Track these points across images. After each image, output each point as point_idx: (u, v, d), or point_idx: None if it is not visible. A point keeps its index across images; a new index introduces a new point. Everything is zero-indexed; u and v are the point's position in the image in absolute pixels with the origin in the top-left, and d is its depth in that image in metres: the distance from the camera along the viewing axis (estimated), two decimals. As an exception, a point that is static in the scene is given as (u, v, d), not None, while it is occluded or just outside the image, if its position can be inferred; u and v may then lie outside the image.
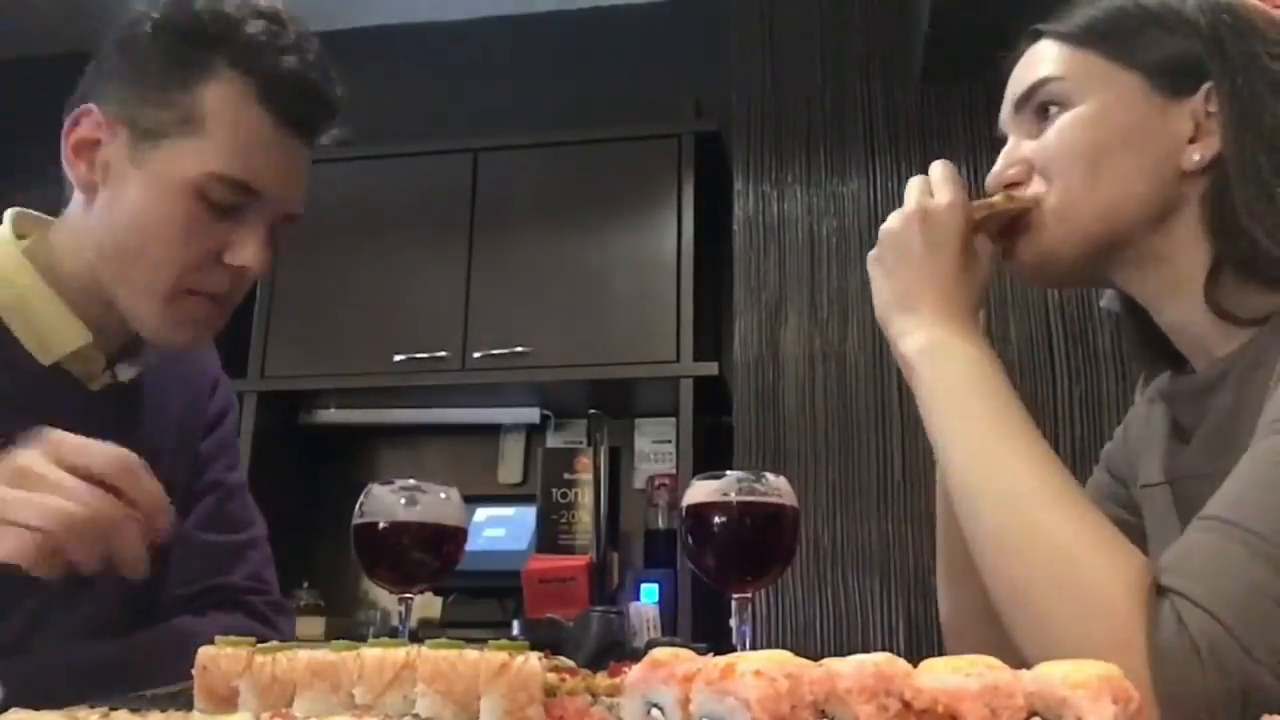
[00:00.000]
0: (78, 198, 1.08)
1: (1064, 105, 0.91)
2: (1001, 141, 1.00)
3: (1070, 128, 0.90)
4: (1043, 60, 0.94)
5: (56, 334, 1.05)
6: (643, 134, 3.12)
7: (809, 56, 2.92)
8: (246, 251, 1.05)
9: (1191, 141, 0.86)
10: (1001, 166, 0.96)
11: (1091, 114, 0.89)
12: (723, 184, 2.97)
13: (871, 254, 0.99)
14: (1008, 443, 0.85)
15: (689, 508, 0.94)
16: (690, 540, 0.95)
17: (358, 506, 1.01)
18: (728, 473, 0.94)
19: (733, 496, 0.93)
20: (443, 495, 1.01)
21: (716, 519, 0.93)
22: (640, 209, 3.05)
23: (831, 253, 2.77)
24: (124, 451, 0.84)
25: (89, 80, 1.08)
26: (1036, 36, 0.96)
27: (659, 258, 2.97)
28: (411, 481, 1.01)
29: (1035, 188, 0.92)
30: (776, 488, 0.94)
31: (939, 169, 0.96)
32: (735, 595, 0.94)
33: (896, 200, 0.98)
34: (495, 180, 3.15)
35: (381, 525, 0.99)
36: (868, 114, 2.85)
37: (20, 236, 1.09)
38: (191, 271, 1.04)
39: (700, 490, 0.94)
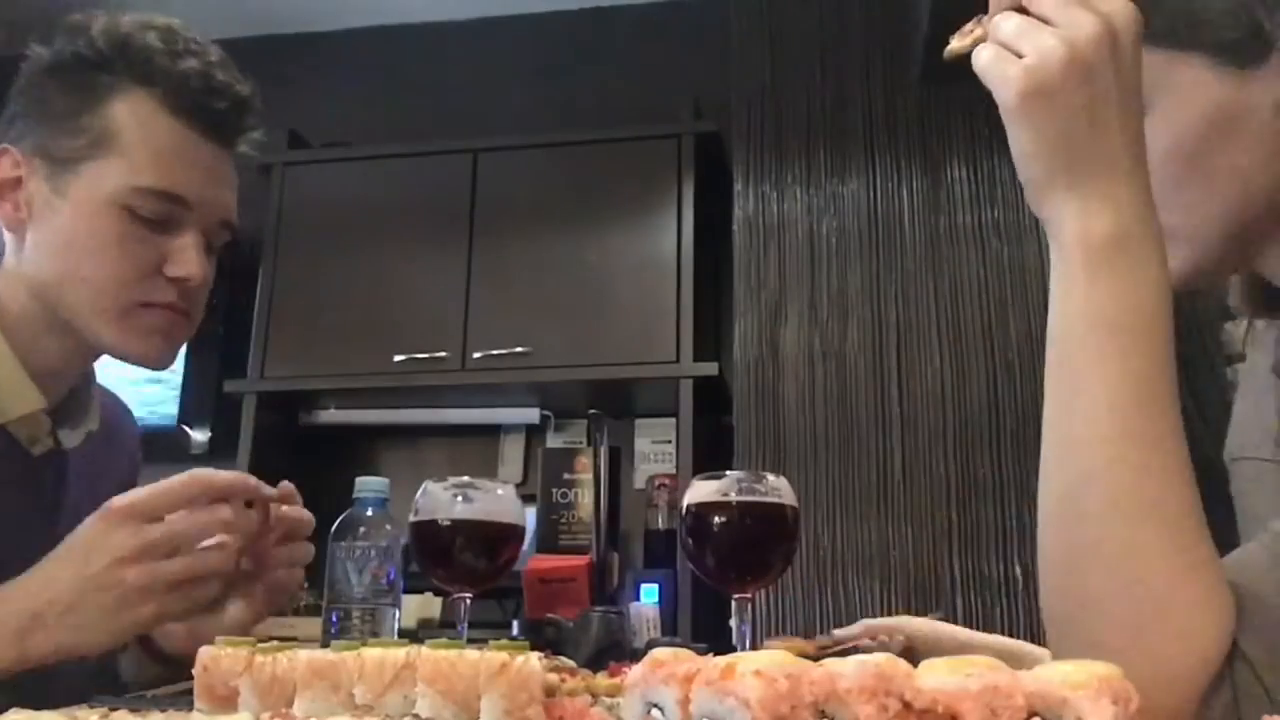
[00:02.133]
0: (9, 243, 1.09)
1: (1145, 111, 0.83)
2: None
3: (1157, 140, 0.78)
4: None
5: (11, 396, 1.05)
6: (643, 134, 3.12)
7: (809, 56, 2.92)
8: (183, 262, 1.07)
9: None
10: None
11: (1174, 118, 0.81)
12: (723, 184, 2.97)
13: (1020, 90, 0.66)
14: (1147, 423, 0.65)
15: (689, 508, 0.94)
16: (690, 540, 0.95)
17: (414, 505, 1.01)
18: (728, 473, 0.94)
19: (733, 496, 0.93)
20: (499, 492, 1.02)
21: (716, 519, 0.94)
22: (640, 209, 3.05)
23: (831, 253, 2.77)
24: (182, 477, 0.93)
25: (2, 124, 1.09)
26: None
27: (659, 258, 2.97)
28: (466, 479, 1.01)
29: None
30: (776, 488, 0.94)
31: None
32: (735, 595, 0.94)
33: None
34: (495, 180, 3.15)
35: (440, 523, 0.99)
36: (868, 114, 2.85)
37: None
38: (133, 286, 1.06)
39: (700, 490, 0.94)
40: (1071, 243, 0.66)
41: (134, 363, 1.12)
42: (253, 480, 0.98)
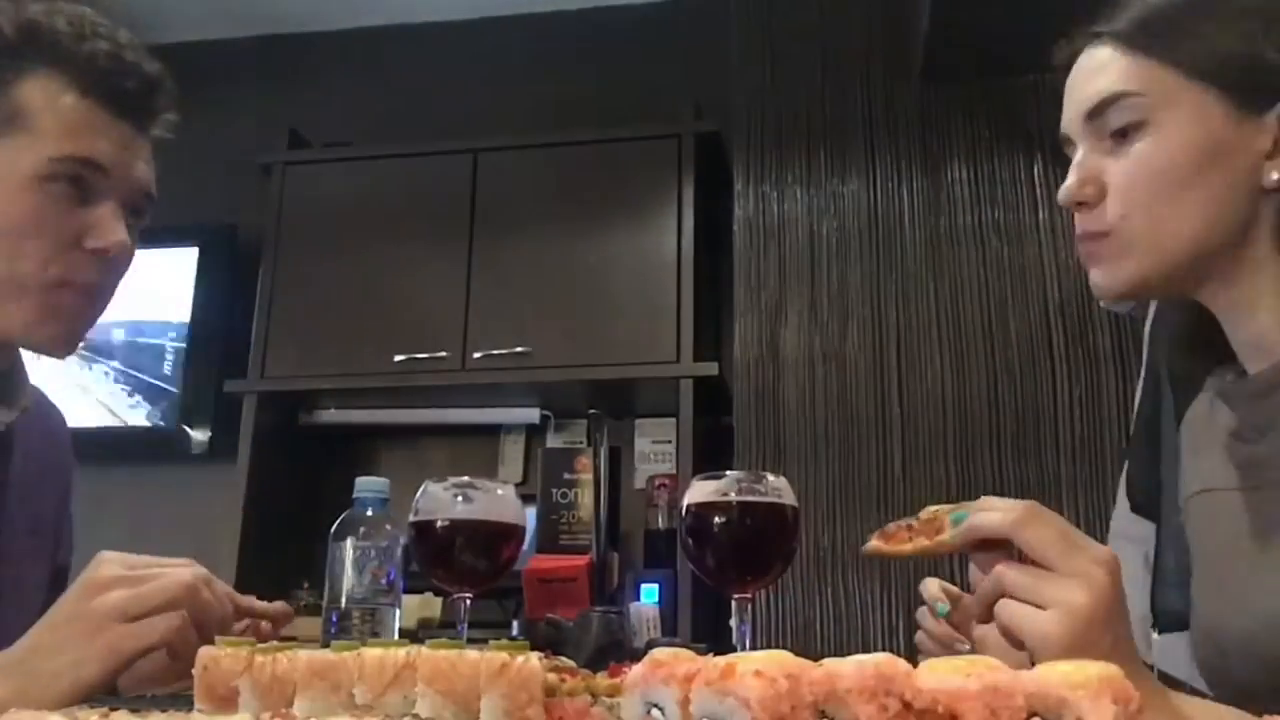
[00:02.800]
0: None
1: (1142, 123, 0.88)
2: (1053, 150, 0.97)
3: (1151, 153, 0.88)
4: (1113, 70, 0.90)
5: None
6: (643, 134, 3.11)
7: (809, 56, 2.92)
8: (103, 232, 1.06)
9: (1269, 158, 0.86)
10: (1076, 184, 0.92)
11: (1172, 138, 0.87)
12: (723, 184, 2.97)
13: (1061, 645, 0.71)
14: None
15: (689, 508, 0.94)
16: (690, 540, 0.95)
17: (414, 504, 1.01)
18: (727, 473, 0.94)
19: (733, 496, 0.93)
20: (499, 492, 1.01)
21: (716, 519, 0.93)
22: (640, 209, 3.04)
23: (831, 253, 2.77)
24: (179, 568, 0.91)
25: None
26: (1095, 38, 0.93)
27: (659, 258, 2.97)
28: (466, 479, 1.01)
29: (1112, 210, 0.90)
30: (777, 488, 0.94)
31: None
32: (735, 595, 0.94)
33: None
34: (495, 180, 3.15)
35: (440, 523, 0.99)
36: (868, 114, 2.84)
37: None
38: (54, 261, 1.05)
39: (700, 490, 0.94)
40: None
41: (34, 348, 1.11)
42: (245, 604, 0.98)
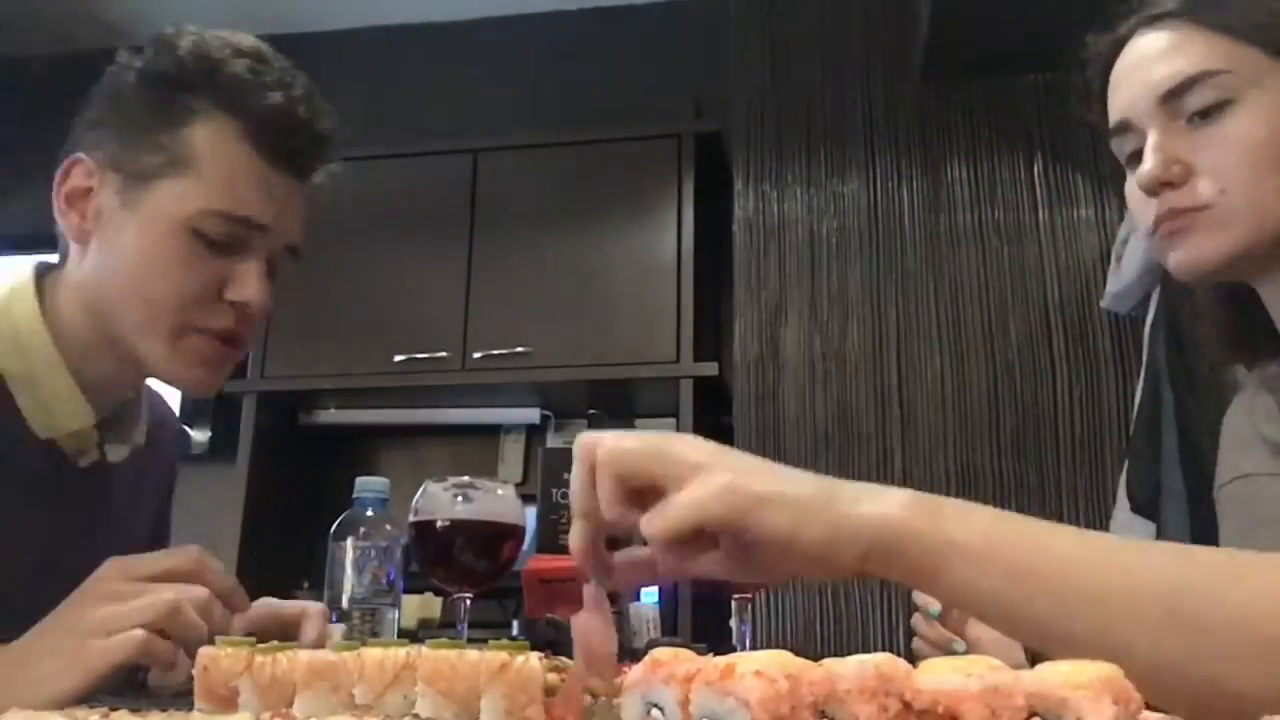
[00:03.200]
0: (73, 253, 1.08)
1: (1229, 101, 0.88)
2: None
3: (1247, 130, 0.87)
4: (1190, 50, 0.89)
5: (62, 410, 1.04)
6: (643, 134, 3.11)
7: (809, 56, 2.92)
8: (245, 286, 1.06)
9: None
10: (1159, 167, 0.90)
11: (1266, 114, 0.87)
12: (723, 184, 2.97)
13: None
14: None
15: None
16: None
17: (414, 504, 1.01)
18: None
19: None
20: (499, 491, 1.02)
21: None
22: (640, 209, 3.05)
23: (831, 253, 2.77)
24: (188, 549, 0.89)
25: (77, 131, 1.08)
26: (1154, 20, 0.92)
27: (659, 258, 2.97)
28: (466, 479, 1.01)
29: (1207, 186, 0.89)
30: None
31: None
32: (736, 595, 0.94)
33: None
34: (495, 180, 3.15)
35: (440, 523, 0.99)
36: (868, 114, 2.85)
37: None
38: (192, 308, 1.04)
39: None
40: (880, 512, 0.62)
41: (178, 387, 1.12)
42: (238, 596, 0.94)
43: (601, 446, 0.64)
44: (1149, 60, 0.92)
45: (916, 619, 1.05)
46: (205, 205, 1.03)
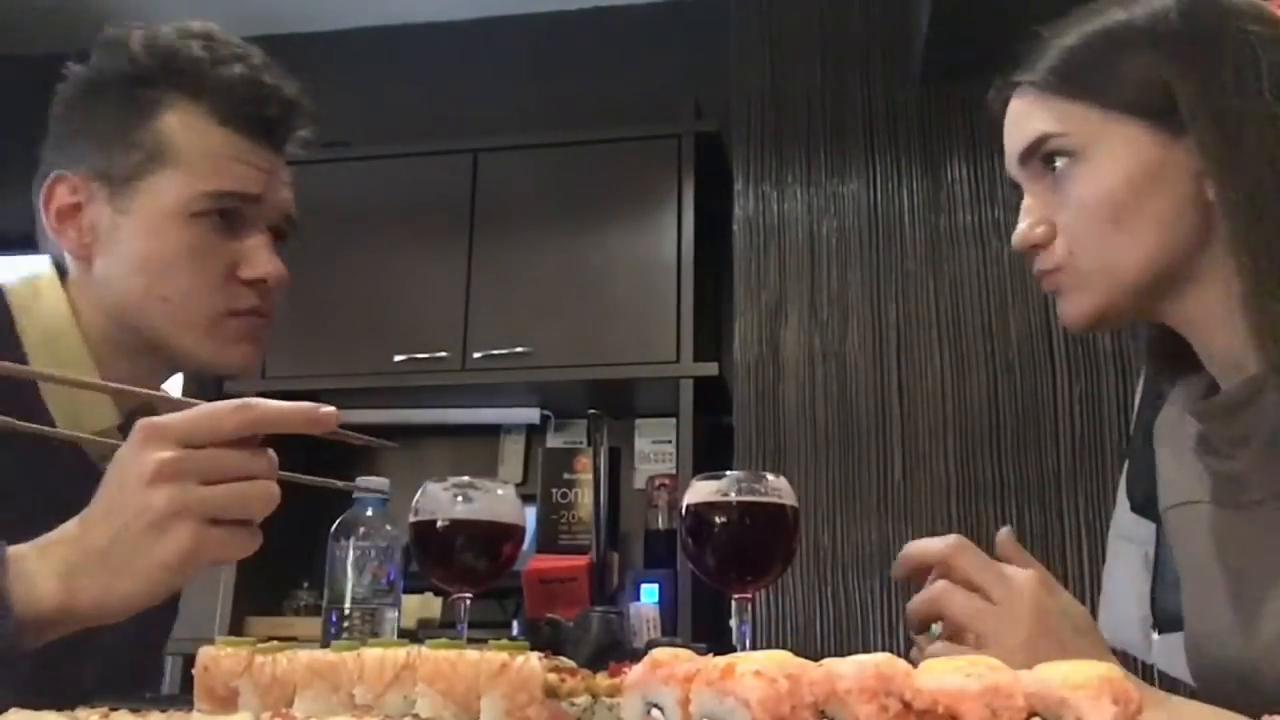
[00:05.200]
0: (75, 270, 1.08)
1: (1070, 157, 0.90)
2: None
3: (1085, 189, 0.89)
4: (1034, 114, 0.92)
5: (89, 410, 1.04)
6: (643, 134, 3.11)
7: (809, 56, 2.92)
8: (257, 263, 1.07)
9: (1205, 174, 0.85)
10: (1027, 227, 0.93)
11: (1102, 170, 0.88)
12: (723, 184, 2.97)
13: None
14: None
15: (689, 508, 0.94)
16: (690, 541, 0.95)
17: (413, 504, 1.01)
18: (727, 473, 0.94)
19: (733, 497, 0.93)
20: (499, 492, 1.02)
21: (716, 519, 0.93)
22: (640, 209, 3.05)
23: (831, 253, 2.77)
24: (232, 403, 0.81)
25: (50, 152, 1.08)
26: (1016, 86, 0.95)
27: (659, 258, 2.97)
28: (466, 479, 1.01)
29: (1060, 248, 0.91)
30: (776, 488, 0.94)
31: None
32: (736, 595, 0.94)
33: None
34: (495, 180, 3.15)
35: (440, 523, 0.99)
36: (868, 114, 2.85)
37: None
38: (215, 296, 1.05)
39: (700, 491, 0.94)
40: None
41: (223, 373, 1.13)
42: (317, 412, 0.88)
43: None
44: (1010, 124, 0.96)
45: (919, 645, 1.03)
46: (194, 190, 1.03)
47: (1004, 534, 0.88)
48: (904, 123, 2.81)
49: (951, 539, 0.84)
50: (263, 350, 1.13)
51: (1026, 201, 0.95)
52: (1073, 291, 0.92)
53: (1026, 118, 0.93)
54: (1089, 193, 0.89)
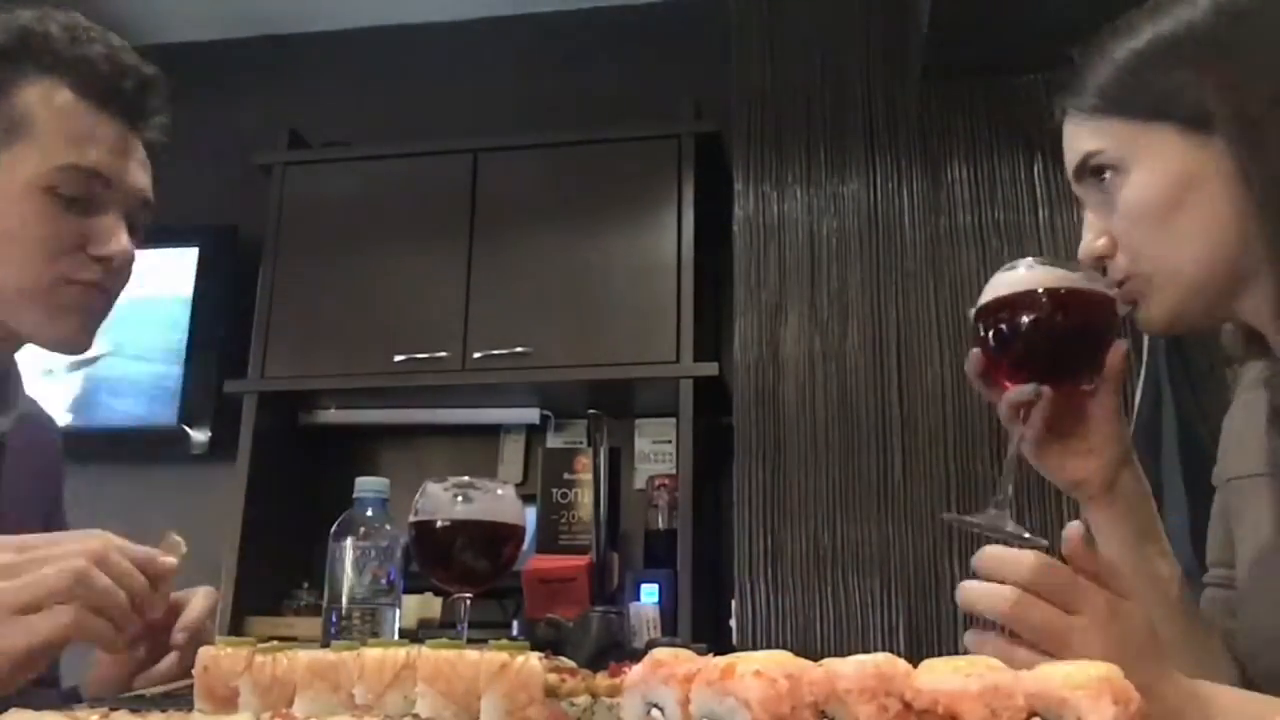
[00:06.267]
0: None
1: (1114, 170, 0.93)
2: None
3: (1129, 198, 0.92)
4: (1079, 135, 0.97)
5: None
6: (643, 134, 3.12)
7: (809, 56, 2.92)
8: (106, 240, 1.08)
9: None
10: (1089, 241, 0.97)
11: (1142, 178, 0.92)
12: (723, 184, 2.97)
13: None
14: None
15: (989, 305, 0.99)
16: (992, 340, 0.98)
17: (414, 505, 1.01)
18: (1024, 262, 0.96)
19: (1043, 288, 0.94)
20: (499, 492, 1.02)
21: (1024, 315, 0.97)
22: (640, 209, 3.04)
23: (831, 253, 2.77)
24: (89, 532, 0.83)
25: None
26: (1065, 112, 0.99)
27: (659, 258, 2.97)
28: (466, 479, 1.01)
29: (1121, 260, 0.94)
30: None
31: None
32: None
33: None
34: (495, 180, 3.15)
35: (440, 523, 0.99)
36: (868, 114, 2.84)
37: None
38: (58, 264, 1.06)
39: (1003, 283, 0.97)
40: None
41: (51, 346, 1.13)
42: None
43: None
44: (1065, 147, 1.00)
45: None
46: (51, 163, 1.05)
47: (1074, 530, 0.78)
48: (904, 123, 2.81)
49: (1006, 591, 0.74)
50: (95, 326, 1.13)
51: (1088, 217, 0.98)
52: (1143, 298, 0.95)
53: (1074, 138, 0.98)
54: (1133, 201, 0.92)
